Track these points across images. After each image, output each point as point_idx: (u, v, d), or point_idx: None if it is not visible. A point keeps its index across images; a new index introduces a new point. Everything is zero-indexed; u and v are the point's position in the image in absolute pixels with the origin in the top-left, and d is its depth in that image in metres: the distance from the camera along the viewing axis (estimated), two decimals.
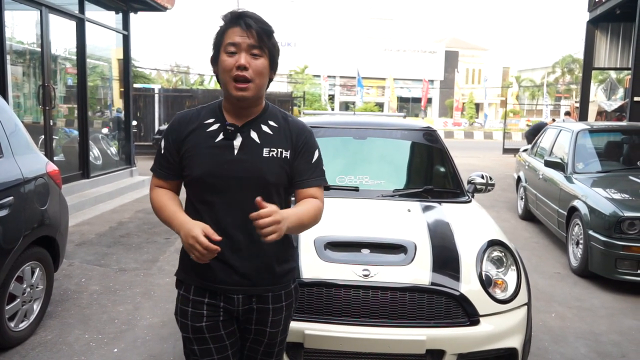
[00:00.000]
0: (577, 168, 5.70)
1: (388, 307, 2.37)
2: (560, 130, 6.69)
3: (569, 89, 44.58)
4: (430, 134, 3.82)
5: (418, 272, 2.46)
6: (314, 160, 1.70)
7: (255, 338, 1.74)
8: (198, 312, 1.65)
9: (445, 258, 2.57)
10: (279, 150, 1.64)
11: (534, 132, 15.14)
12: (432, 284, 2.42)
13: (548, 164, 6.03)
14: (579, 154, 5.86)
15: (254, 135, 1.65)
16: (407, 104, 44.52)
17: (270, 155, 1.63)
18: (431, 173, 3.82)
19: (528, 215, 7.23)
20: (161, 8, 9.53)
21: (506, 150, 17.72)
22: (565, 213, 5.35)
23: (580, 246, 4.90)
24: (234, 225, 1.61)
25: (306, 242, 2.59)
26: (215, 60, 1.63)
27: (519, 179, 7.89)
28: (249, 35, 1.55)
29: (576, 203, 5.10)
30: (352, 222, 2.89)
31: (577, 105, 15.30)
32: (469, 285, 2.45)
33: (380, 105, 38.58)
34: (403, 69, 41.86)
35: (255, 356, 1.78)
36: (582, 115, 12.32)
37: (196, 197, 1.66)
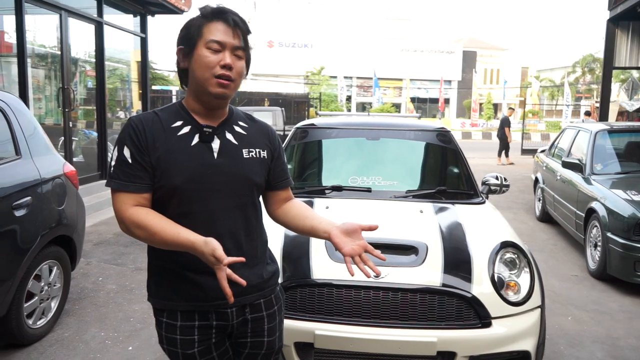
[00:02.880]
0: (596, 169, 5.62)
1: (399, 308, 2.36)
2: (579, 130, 6.60)
3: (589, 88, 43.88)
4: (443, 134, 3.80)
5: (429, 273, 2.44)
6: (285, 160, 1.74)
7: (251, 352, 1.65)
8: (188, 338, 1.53)
9: (457, 259, 2.55)
10: (257, 150, 1.60)
11: (500, 127, 15.32)
12: (444, 285, 2.40)
13: (566, 165, 5.95)
14: (598, 155, 5.77)
15: (229, 136, 1.56)
16: (425, 105, 44.27)
17: (251, 155, 1.58)
18: (444, 174, 3.80)
19: (546, 217, 7.14)
20: (178, 11, 9.64)
21: (524, 151, 17.50)
22: (583, 215, 5.27)
23: (599, 248, 4.83)
24: (221, 235, 1.47)
25: (317, 242, 2.60)
26: (187, 54, 1.49)
27: (536, 180, 7.79)
28: (235, 35, 1.47)
29: (594, 205, 5.02)
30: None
31: (598, 105, 15.07)
32: (480, 287, 2.43)
33: (397, 106, 38.43)
34: (420, 70, 41.65)
35: None
36: (602, 116, 12.11)
37: (173, 211, 1.48)
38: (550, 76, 49.53)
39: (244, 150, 1.57)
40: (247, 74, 1.59)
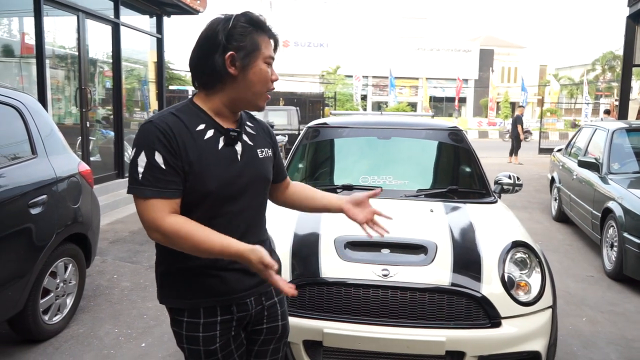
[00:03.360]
0: (613, 168, 5.53)
1: (407, 308, 2.36)
2: (596, 129, 6.51)
3: (609, 86, 43.16)
4: (455, 133, 3.78)
5: (438, 272, 2.44)
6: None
7: (266, 338, 1.71)
8: (210, 334, 1.56)
9: (467, 259, 2.54)
10: (266, 149, 1.67)
11: (512, 126, 15.24)
12: (453, 284, 2.39)
13: (582, 164, 5.87)
14: (615, 154, 5.68)
15: (245, 138, 1.60)
16: (441, 104, 43.99)
17: (263, 155, 1.64)
18: (456, 173, 3.78)
19: (562, 217, 7.05)
20: (193, 11, 9.72)
21: (542, 150, 17.33)
22: (600, 215, 5.20)
23: (615, 249, 4.75)
24: (245, 232, 1.56)
25: (326, 242, 2.61)
26: (244, 65, 1.49)
27: (552, 180, 7.71)
28: (273, 49, 1.57)
29: (611, 204, 4.95)
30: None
31: (617, 103, 14.82)
32: (490, 287, 2.42)
33: (413, 105, 38.24)
34: (436, 69, 41.39)
35: (264, 358, 1.74)
36: (622, 114, 11.91)
37: (203, 214, 1.50)
38: (569, 74, 48.85)
39: (258, 150, 1.63)
40: None
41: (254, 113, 1.75)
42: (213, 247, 1.42)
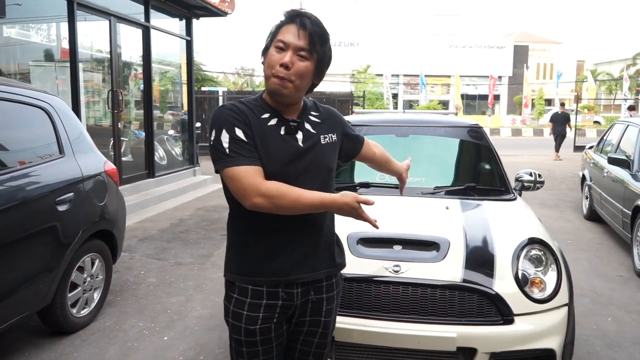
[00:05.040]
0: None
1: (418, 303, 2.37)
2: (628, 125, 6.32)
3: None
4: (475, 131, 3.75)
5: (450, 269, 2.43)
6: (349, 124, 1.91)
7: (310, 330, 1.76)
8: (254, 314, 1.64)
9: (480, 255, 2.53)
10: (330, 135, 1.72)
11: (558, 122, 14.94)
12: (464, 281, 2.39)
13: (612, 161, 5.72)
14: None
15: (308, 126, 1.68)
16: (474, 102, 43.31)
17: (326, 142, 1.70)
18: (474, 170, 3.75)
19: (593, 216, 6.87)
20: (222, 13, 9.88)
21: (577, 148, 16.87)
22: (630, 213, 5.05)
23: None
24: (300, 216, 1.61)
25: (340, 237, 2.63)
26: (265, 52, 1.63)
27: (583, 178, 7.52)
28: (301, 36, 1.55)
29: None
30: (388, 219, 2.88)
31: None
32: (503, 283, 2.40)
33: (444, 103, 37.76)
34: (469, 66, 40.75)
35: (309, 350, 1.79)
36: None
37: None
38: (608, 69, 47.37)
39: (321, 137, 1.70)
40: (319, 79, 1.67)
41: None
42: (312, 198, 1.54)
